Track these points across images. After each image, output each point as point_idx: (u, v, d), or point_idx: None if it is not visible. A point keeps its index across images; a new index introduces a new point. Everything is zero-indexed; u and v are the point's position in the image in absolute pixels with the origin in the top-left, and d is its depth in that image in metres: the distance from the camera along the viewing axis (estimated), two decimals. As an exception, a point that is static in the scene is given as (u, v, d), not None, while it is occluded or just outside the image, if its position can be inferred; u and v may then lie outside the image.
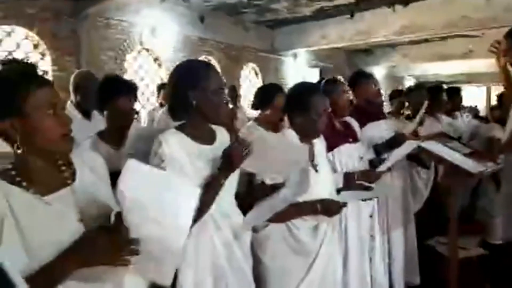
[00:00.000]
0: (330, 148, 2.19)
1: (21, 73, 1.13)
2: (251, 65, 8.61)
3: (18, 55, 5.15)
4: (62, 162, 1.19)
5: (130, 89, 2.15)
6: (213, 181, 1.51)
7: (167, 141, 1.52)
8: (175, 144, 1.52)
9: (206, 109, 1.57)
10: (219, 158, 1.51)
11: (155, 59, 6.86)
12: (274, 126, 2.70)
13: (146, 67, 6.83)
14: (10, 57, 4.93)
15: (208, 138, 1.64)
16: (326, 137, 2.10)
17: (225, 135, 1.71)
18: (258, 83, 8.62)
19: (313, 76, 9.39)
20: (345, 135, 2.36)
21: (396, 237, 2.79)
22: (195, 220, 1.36)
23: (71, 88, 2.94)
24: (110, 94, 2.08)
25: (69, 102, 2.88)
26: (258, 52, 8.47)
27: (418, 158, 3.04)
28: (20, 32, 5.25)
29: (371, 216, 2.35)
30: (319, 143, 2.04)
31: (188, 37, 7.02)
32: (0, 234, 1.01)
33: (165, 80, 5.87)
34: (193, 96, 1.55)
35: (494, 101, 10.97)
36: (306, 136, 1.95)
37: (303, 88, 2.01)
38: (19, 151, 1.09)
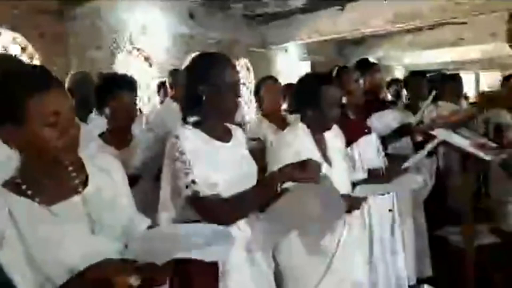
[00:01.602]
0: (348, 141, 2.10)
1: (20, 76, 1.00)
2: (243, 60, 8.49)
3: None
4: (72, 167, 1.07)
5: (130, 84, 2.06)
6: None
7: (183, 135, 1.41)
8: (192, 139, 1.41)
9: (216, 105, 1.46)
10: (237, 157, 1.43)
11: (146, 58, 6.72)
12: (279, 118, 2.70)
13: (137, 66, 6.68)
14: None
15: (225, 136, 1.53)
16: (343, 130, 2.01)
17: (241, 134, 1.62)
18: (250, 79, 8.50)
19: (304, 70, 9.32)
20: (361, 127, 2.29)
21: (406, 228, 2.73)
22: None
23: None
24: (110, 91, 1.98)
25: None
26: (249, 47, 8.36)
27: (422, 146, 3.00)
28: (6, 35, 5.08)
29: (390, 210, 2.28)
30: (334, 136, 1.96)
31: (179, 34, 6.88)
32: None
33: (158, 79, 5.78)
34: (203, 90, 1.45)
35: (484, 88, 11.09)
36: (318, 129, 1.87)
37: (312, 79, 1.94)
38: (22, 157, 1.00)
